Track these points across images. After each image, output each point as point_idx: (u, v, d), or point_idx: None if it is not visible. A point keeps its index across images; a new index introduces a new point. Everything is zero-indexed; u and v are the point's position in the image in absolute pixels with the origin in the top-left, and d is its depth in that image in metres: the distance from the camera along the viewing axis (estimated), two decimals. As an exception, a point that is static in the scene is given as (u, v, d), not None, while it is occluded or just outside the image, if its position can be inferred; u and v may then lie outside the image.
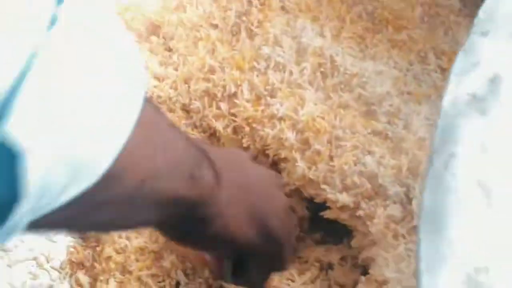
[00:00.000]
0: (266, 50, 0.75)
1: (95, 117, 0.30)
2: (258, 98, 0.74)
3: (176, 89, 0.78)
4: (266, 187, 0.63)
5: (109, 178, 0.33)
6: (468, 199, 0.28)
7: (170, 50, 0.81)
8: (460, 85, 0.30)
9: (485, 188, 0.28)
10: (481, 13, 0.32)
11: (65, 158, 0.27)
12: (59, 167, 0.27)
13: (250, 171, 0.63)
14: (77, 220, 0.38)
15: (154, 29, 0.83)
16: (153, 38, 0.81)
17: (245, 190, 0.59)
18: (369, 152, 0.67)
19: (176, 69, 0.79)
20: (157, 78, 0.79)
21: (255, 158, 0.76)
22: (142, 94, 0.35)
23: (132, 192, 0.39)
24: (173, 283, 0.71)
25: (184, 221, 0.51)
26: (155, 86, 0.79)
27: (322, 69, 0.73)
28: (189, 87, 0.77)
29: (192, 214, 0.51)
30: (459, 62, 0.31)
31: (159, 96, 0.78)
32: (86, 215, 0.38)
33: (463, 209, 0.27)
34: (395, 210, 0.64)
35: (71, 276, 0.73)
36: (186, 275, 0.71)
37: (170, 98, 0.78)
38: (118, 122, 0.32)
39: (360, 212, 0.66)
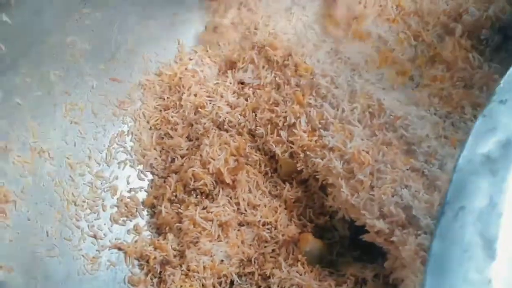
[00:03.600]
0: (323, 89, 0.75)
1: None
2: (313, 129, 0.75)
3: (245, 116, 0.80)
4: None
5: None
6: (471, 249, 0.27)
7: (243, 83, 0.83)
8: (477, 146, 0.30)
9: (487, 240, 0.27)
10: (502, 82, 0.32)
11: None
12: None
13: None
14: None
15: (231, 64, 0.85)
16: (229, 73, 0.84)
17: None
18: (406, 186, 0.66)
19: (246, 100, 0.81)
20: (230, 105, 0.81)
21: (306, 181, 0.77)
22: None
23: None
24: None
25: None
26: (227, 112, 0.81)
27: (370, 110, 0.72)
28: (255, 115, 0.79)
29: None
30: (478, 126, 0.30)
31: (230, 121, 0.80)
32: None
33: (467, 258, 0.27)
34: (425, 240, 0.63)
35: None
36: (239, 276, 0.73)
37: (239, 124, 0.80)
38: None
39: (394, 238, 0.65)
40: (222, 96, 0.82)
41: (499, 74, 0.68)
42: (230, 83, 0.83)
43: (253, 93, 0.81)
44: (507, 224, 0.27)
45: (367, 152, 0.69)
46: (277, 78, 0.79)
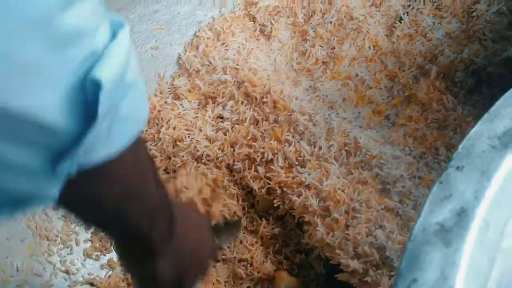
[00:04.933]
0: (301, 126, 0.76)
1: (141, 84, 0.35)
2: (290, 166, 0.75)
3: (223, 150, 0.80)
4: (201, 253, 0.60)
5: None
6: None
7: (222, 117, 0.83)
8: (432, 214, 0.30)
9: None
10: (461, 148, 0.32)
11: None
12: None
13: (197, 237, 0.60)
14: (90, 195, 0.38)
15: (211, 99, 0.85)
16: (209, 107, 0.84)
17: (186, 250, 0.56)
18: (380, 226, 0.66)
19: (225, 134, 0.81)
20: (208, 139, 0.81)
21: (283, 217, 0.77)
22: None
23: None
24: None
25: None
26: (206, 146, 0.81)
27: (347, 148, 0.73)
28: (233, 150, 0.79)
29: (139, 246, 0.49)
30: (434, 193, 0.31)
31: (208, 155, 0.80)
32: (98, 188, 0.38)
33: None
34: (398, 281, 0.63)
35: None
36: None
37: (217, 158, 0.80)
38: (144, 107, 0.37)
39: (367, 279, 0.65)
40: (201, 130, 0.82)
41: (472, 116, 0.69)
42: (209, 117, 0.83)
43: (232, 127, 0.81)
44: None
45: (343, 191, 0.70)
46: (255, 114, 0.80)
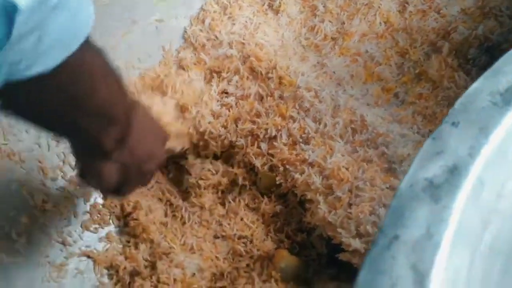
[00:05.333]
0: (306, 103, 0.74)
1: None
2: (294, 143, 0.73)
3: (226, 127, 0.78)
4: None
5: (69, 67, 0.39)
6: (400, 283, 0.25)
7: (226, 93, 0.81)
8: (421, 170, 0.28)
9: (419, 274, 0.25)
10: (458, 104, 0.30)
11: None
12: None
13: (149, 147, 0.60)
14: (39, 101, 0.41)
15: (216, 73, 0.83)
16: (214, 81, 0.82)
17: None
18: (384, 205, 0.64)
19: (229, 110, 0.79)
20: (213, 114, 0.79)
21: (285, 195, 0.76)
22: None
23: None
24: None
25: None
26: (209, 122, 0.79)
27: (353, 125, 0.71)
28: (237, 126, 0.77)
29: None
30: (425, 148, 0.28)
31: (211, 132, 0.78)
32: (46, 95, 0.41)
33: None
34: (400, 262, 0.61)
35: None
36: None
37: (219, 136, 0.78)
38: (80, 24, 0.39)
39: (369, 259, 0.63)
40: (207, 104, 0.80)
41: (484, 94, 0.66)
42: (215, 91, 0.81)
43: (236, 103, 0.79)
44: (444, 258, 0.25)
45: (347, 169, 0.67)
46: (260, 90, 0.78)
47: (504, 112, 0.28)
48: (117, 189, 0.58)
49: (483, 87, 0.30)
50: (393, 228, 0.26)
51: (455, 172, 0.27)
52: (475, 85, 0.30)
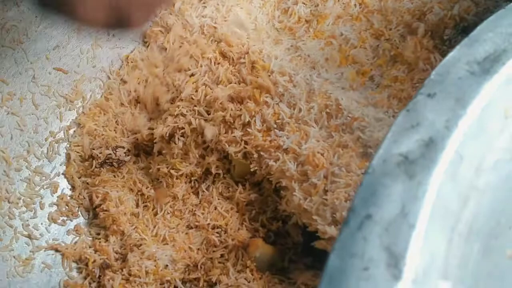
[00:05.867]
0: (280, 87, 0.72)
1: None
2: (268, 129, 0.71)
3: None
4: None
5: None
6: (372, 266, 0.23)
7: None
8: (395, 144, 0.26)
9: (393, 256, 0.23)
10: (433, 74, 0.28)
11: None
12: None
13: None
14: None
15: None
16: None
17: None
18: (360, 191, 0.62)
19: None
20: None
21: (260, 183, 0.74)
22: None
23: None
24: None
25: None
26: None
27: (328, 110, 0.69)
28: (208, 114, 0.75)
29: None
30: (399, 121, 0.26)
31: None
32: None
33: (366, 277, 0.23)
34: (377, 248, 0.59)
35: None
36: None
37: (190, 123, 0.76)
38: None
39: (345, 246, 0.61)
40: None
41: (460, 76, 0.65)
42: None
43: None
44: (419, 238, 0.23)
45: (322, 155, 0.66)
46: (233, 76, 0.75)
47: (482, 81, 0.26)
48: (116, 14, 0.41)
49: (460, 56, 0.28)
50: (365, 207, 0.24)
51: (431, 146, 0.25)
52: (451, 54, 0.28)
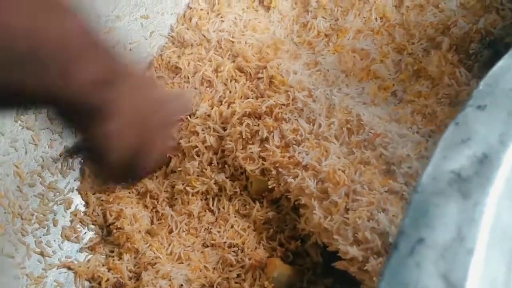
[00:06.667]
0: (299, 103, 0.70)
1: None
2: (287, 145, 0.69)
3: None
4: (161, 120, 0.53)
5: None
6: None
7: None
8: (445, 160, 0.24)
9: (451, 285, 0.21)
10: (482, 85, 0.26)
11: None
12: None
13: (155, 96, 0.50)
14: None
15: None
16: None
17: (141, 112, 0.47)
18: (383, 210, 0.60)
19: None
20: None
21: (278, 201, 0.72)
22: None
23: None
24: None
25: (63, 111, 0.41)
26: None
27: (348, 126, 0.67)
28: (224, 130, 0.73)
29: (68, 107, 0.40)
30: (448, 136, 0.24)
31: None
32: None
33: None
34: (402, 270, 0.57)
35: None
36: None
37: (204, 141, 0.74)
38: None
39: (368, 267, 0.59)
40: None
41: (487, 91, 0.62)
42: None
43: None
44: (478, 264, 0.21)
45: (343, 171, 0.64)
46: (250, 91, 0.74)
47: (535, 93, 0.24)
48: (130, 166, 0.47)
49: (509, 65, 0.26)
50: (416, 229, 0.22)
51: (485, 163, 0.23)
52: (499, 64, 0.26)
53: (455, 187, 0.23)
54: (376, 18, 0.75)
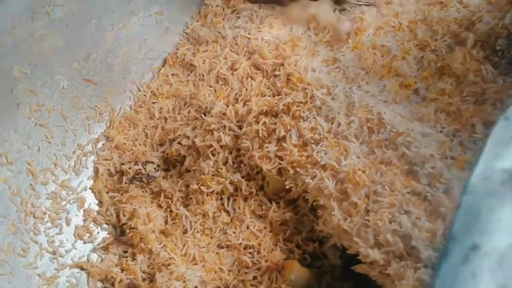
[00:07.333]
0: (318, 101, 0.68)
1: None
2: (305, 144, 0.67)
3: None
4: None
5: None
6: None
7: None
8: (496, 158, 0.22)
9: None
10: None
11: None
12: None
13: None
14: None
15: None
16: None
17: None
18: (406, 212, 0.58)
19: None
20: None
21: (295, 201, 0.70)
22: None
23: None
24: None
25: None
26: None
27: (369, 124, 0.65)
28: (241, 127, 0.72)
29: None
30: (498, 132, 0.22)
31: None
32: None
33: None
34: (426, 274, 0.54)
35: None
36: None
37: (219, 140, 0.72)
38: None
39: (389, 271, 0.57)
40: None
41: (515, 89, 0.60)
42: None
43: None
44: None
45: (363, 172, 0.62)
46: (267, 89, 0.72)
47: None
48: None
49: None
50: (469, 235, 0.20)
51: (542, 160, 0.21)
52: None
53: (509, 187, 0.21)
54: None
